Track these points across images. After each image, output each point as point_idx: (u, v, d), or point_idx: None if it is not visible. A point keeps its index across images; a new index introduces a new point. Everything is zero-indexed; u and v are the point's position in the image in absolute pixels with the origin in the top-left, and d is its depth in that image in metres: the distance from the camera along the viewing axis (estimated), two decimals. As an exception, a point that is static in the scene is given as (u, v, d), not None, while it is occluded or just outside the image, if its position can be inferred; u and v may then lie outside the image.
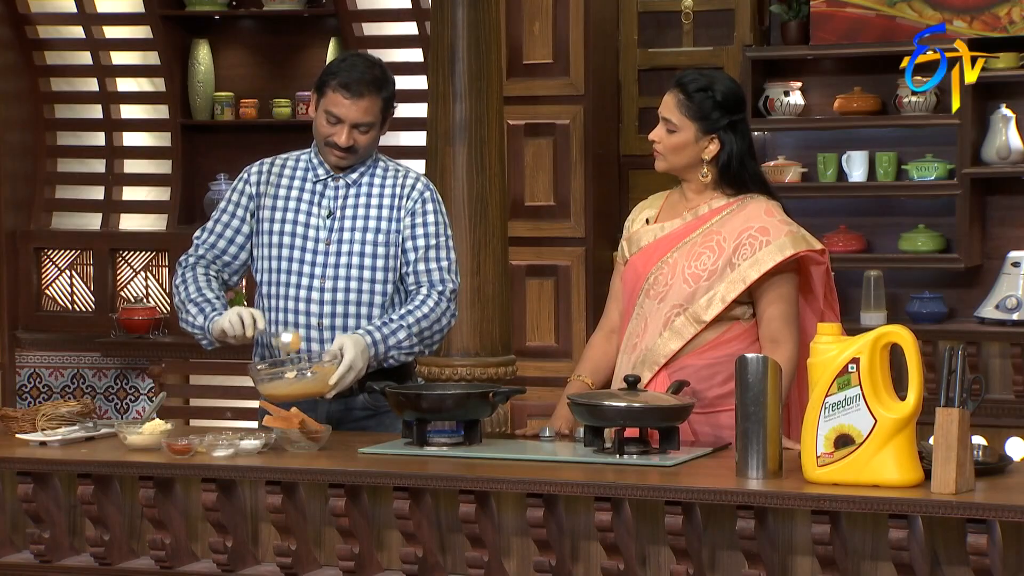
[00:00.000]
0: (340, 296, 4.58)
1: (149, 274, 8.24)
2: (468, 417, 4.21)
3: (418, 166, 7.27)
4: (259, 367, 4.40)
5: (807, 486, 3.68)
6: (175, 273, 4.72)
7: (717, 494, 3.69)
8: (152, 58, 8.21)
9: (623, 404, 4.03)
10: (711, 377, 4.31)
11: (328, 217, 4.62)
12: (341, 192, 4.64)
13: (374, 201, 4.63)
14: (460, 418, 4.20)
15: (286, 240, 4.63)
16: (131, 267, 8.26)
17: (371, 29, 7.88)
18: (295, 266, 4.61)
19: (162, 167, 8.33)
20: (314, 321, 4.58)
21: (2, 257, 8.25)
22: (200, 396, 8.03)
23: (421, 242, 4.61)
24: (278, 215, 4.65)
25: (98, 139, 8.39)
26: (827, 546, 3.61)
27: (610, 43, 7.64)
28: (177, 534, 4.14)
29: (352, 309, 4.58)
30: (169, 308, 8.13)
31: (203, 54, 8.17)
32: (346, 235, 4.60)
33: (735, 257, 4.32)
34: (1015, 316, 6.92)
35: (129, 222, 8.40)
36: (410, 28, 7.81)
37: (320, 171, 4.65)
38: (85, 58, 8.30)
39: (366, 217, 4.61)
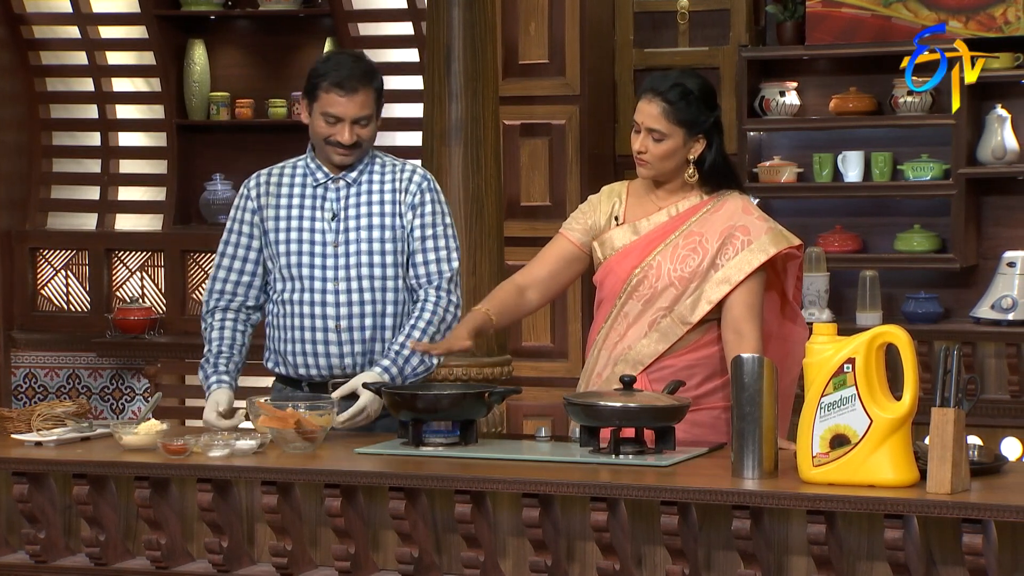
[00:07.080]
0: (355, 297, 4.55)
1: (145, 274, 8.23)
2: (464, 417, 4.21)
3: (414, 166, 7.32)
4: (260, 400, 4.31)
5: (803, 486, 3.68)
6: (202, 318, 4.69)
7: (713, 494, 3.69)
8: (148, 58, 8.20)
9: (619, 404, 4.02)
10: (690, 378, 4.32)
11: (333, 219, 4.59)
12: (342, 193, 4.60)
13: (375, 198, 4.60)
14: (456, 418, 4.20)
15: (293, 247, 4.58)
16: (127, 267, 8.25)
17: (367, 29, 7.87)
18: (306, 271, 4.57)
19: (158, 167, 8.32)
20: (331, 324, 4.54)
21: (-2, 257, 8.25)
22: (196, 396, 8.00)
23: (417, 233, 4.57)
24: (283, 224, 4.61)
25: (94, 139, 8.38)
26: (823, 546, 3.61)
27: (606, 43, 7.63)
28: (173, 534, 4.13)
29: (368, 308, 4.55)
30: (164, 308, 8.13)
31: (199, 54, 8.16)
32: (352, 235, 4.57)
33: (719, 258, 4.34)
34: (1010, 316, 6.92)
35: (125, 222, 8.39)
36: (406, 28, 7.81)
37: (319, 175, 4.61)
38: (80, 58, 8.29)
39: (370, 215, 4.58)
